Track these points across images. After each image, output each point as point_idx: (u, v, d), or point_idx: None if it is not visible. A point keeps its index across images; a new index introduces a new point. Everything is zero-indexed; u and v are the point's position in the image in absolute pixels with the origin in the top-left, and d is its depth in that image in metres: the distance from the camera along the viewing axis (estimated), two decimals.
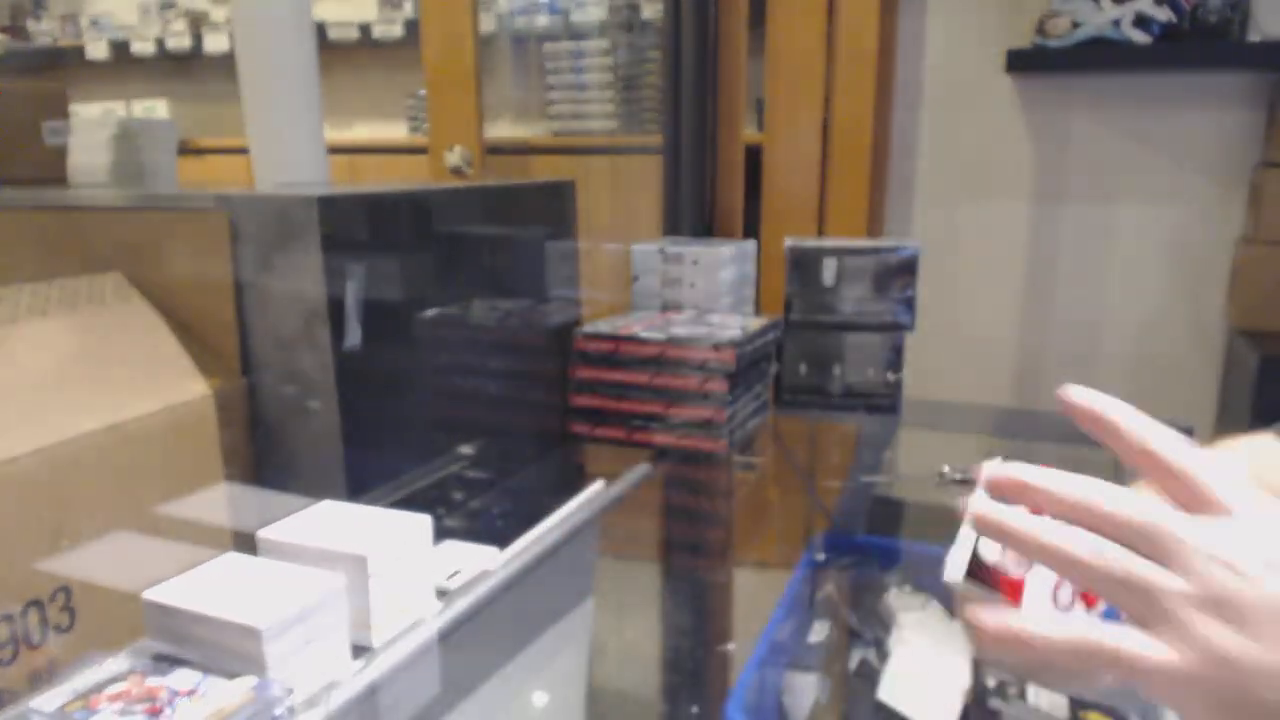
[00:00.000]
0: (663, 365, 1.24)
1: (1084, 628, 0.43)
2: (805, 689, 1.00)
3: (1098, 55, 2.14)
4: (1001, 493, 0.47)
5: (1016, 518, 0.45)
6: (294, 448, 1.01)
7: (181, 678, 0.63)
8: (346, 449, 0.99)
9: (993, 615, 0.44)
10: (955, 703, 0.93)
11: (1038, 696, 0.88)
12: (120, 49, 3.70)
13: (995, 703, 0.87)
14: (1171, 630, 0.41)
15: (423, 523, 0.80)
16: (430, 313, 1.14)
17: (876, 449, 1.53)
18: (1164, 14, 2.06)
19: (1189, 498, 0.44)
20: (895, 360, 1.44)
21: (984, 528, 0.46)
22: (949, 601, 1.12)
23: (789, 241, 1.47)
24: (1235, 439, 0.64)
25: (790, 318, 1.46)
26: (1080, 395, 0.48)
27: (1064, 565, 0.44)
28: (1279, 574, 0.40)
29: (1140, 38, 2.08)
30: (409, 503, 1.08)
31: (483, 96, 2.56)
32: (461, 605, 0.84)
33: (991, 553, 0.48)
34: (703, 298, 1.46)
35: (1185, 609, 0.41)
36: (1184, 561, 0.41)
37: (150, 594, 0.67)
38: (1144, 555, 0.42)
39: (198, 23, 3.63)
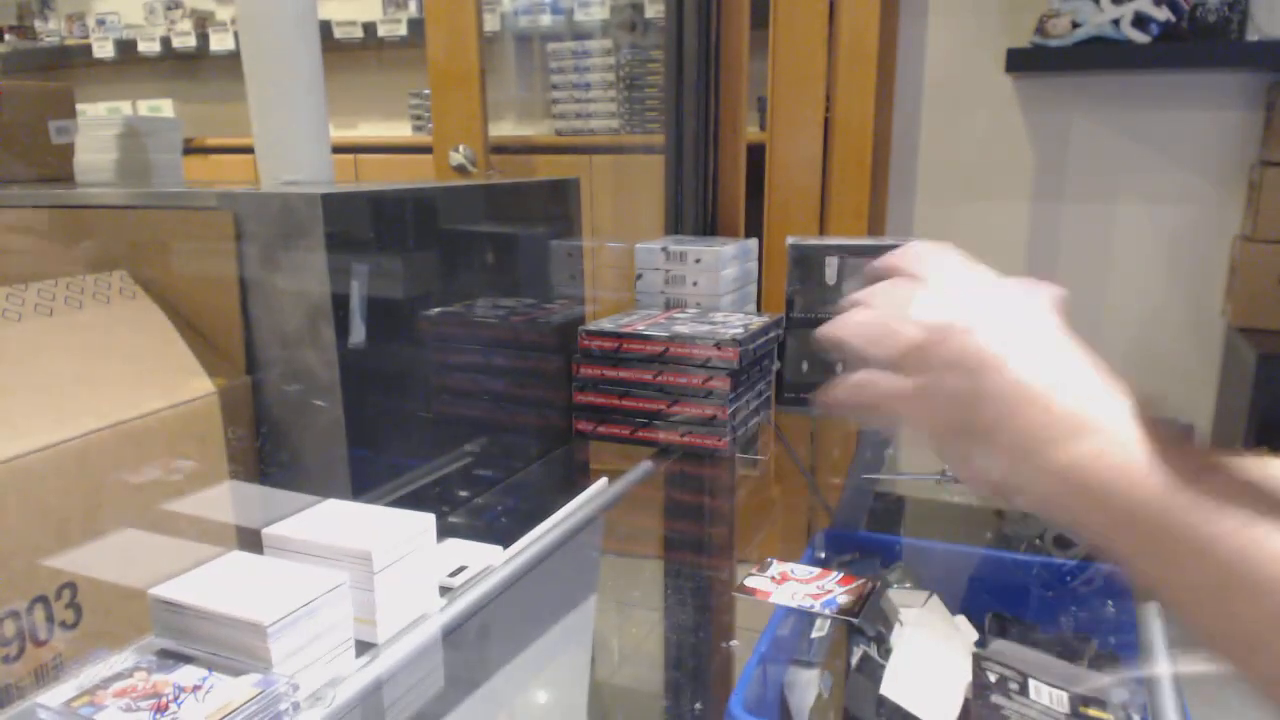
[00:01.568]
0: (666, 363, 1.25)
1: (859, 375, 0.63)
2: (808, 684, 1.00)
3: (1097, 55, 2.14)
4: None
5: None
6: (299, 445, 1.01)
7: (187, 674, 0.64)
8: (351, 446, 1.00)
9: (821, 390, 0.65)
10: (957, 697, 0.93)
11: (1038, 692, 0.88)
12: (126, 48, 3.71)
13: (996, 698, 0.88)
14: (908, 372, 0.59)
15: (426, 520, 0.80)
16: (434, 311, 1.14)
17: (878, 447, 1.53)
18: (1163, 14, 2.06)
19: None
20: None
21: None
22: (950, 598, 1.13)
23: (791, 239, 1.47)
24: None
25: (792, 315, 1.46)
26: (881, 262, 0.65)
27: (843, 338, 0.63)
28: (983, 327, 0.57)
29: (1139, 37, 2.08)
30: (413, 500, 1.09)
31: (487, 96, 2.57)
32: (465, 602, 0.85)
33: None
34: (705, 295, 1.47)
35: (911, 347, 0.59)
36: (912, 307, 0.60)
37: (156, 590, 0.68)
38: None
39: (203, 22, 3.64)
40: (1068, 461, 0.53)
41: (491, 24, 2.95)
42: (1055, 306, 0.61)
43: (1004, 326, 0.58)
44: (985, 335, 0.57)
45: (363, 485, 1.01)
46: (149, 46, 3.66)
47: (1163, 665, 0.81)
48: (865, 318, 0.63)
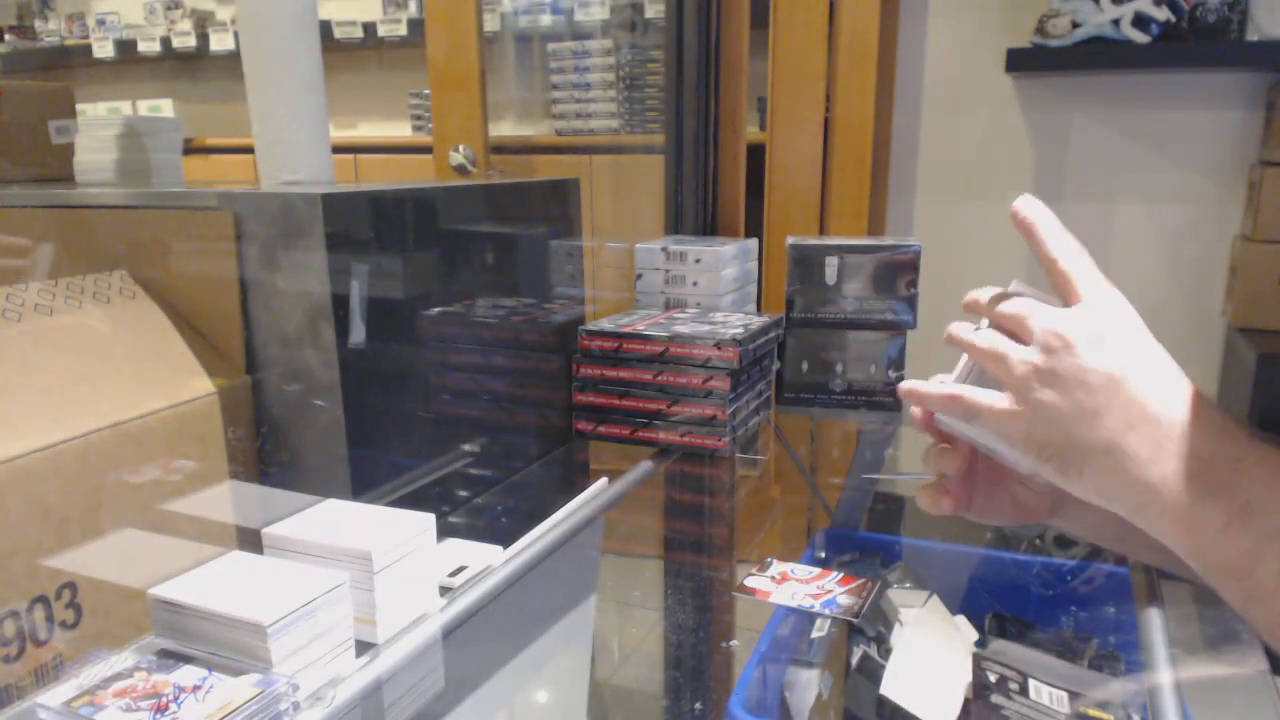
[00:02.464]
0: (666, 363, 1.25)
1: (954, 388, 0.65)
2: (808, 684, 1.00)
3: (1097, 55, 2.14)
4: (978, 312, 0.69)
5: (961, 330, 0.67)
6: (299, 445, 1.01)
7: (187, 674, 0.64)
8: (351, 447, 1.00)
9: (905, 384, 0.69)
10: (957, 697, 0.93)
11: (1038, 692, 0.88)
12: (126, 48, 3.72)
13: (996, 698, 0.88)
14: (1012, 386, 0.61)
15: (426, 520, 0.80)
16: (434, 310, 1.14)
17: (878, 446, 1.53)
18: (1163, 14, 2.06)
19: (1064, 289, 0.64)
20: (897, 358, 1.45)
21: (949, 341, 0.68)
22: (950, 598, 1.13)
23: (791, 239, 1.47)
24: None
25: (792, 315, 1.46)
26: (1025, 208, 0.66)
27: (970, 350, 0.66)
28: (1096, 348, 0.59)
29: (1139, 37, 2.08)
30: (413, 500, 1.09)
31: (487, 96, 2.57)
32: (465, 602, 0.85)
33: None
34: (705, 295, 1.47)
35: (1024, 371, 0.61)
36: (1032, 338, 0.62)
37: (156, 590, 0.68)
38: (1016, 338, 0.63)
39: (203, 22, 3.64)
40: (1175, 473, 0.55)
41: (491, 24, 2.96)
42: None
43: (1119, 345, 0.60)
44: (1105, 354, 0.59)
45: (363, 485, 1.01)
46: (149, 46, 3.66)
47: (1163, 666, 0.81)
48: (989, 338, 0.65)
